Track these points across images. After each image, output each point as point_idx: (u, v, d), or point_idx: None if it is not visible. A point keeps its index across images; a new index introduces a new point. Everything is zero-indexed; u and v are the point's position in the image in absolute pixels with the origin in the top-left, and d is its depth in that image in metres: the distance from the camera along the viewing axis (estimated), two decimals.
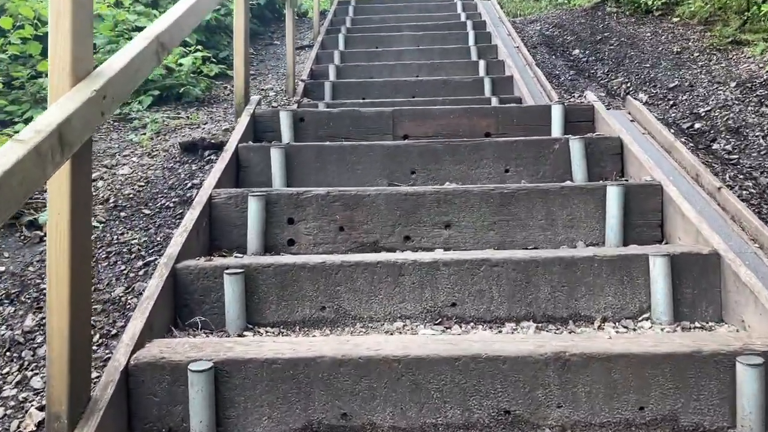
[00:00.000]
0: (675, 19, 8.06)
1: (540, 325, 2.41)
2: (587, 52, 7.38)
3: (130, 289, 2.58)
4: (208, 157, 3.73)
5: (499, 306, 2.45)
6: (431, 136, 3.88)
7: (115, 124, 4.79)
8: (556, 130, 3.79)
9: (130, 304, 2.47)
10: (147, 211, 3.24)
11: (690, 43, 6.94)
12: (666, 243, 2.86)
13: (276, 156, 3.33)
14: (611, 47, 7.29)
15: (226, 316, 2.41)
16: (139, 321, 2.15)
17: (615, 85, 6.14)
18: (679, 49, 6.74)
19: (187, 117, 4.97)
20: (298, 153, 3.40)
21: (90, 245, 1.85)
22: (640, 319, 2.43)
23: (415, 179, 3.40)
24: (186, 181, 3.50)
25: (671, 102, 5.38)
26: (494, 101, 5.43)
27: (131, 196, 3.40)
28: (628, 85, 6.06)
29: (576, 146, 3.31)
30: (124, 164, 3.92)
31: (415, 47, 7.21)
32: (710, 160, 4.04)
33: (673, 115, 5.10)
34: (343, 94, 5.99)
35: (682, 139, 4.14)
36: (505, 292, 2.45)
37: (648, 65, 6.43)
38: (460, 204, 2.91)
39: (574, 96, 5.74)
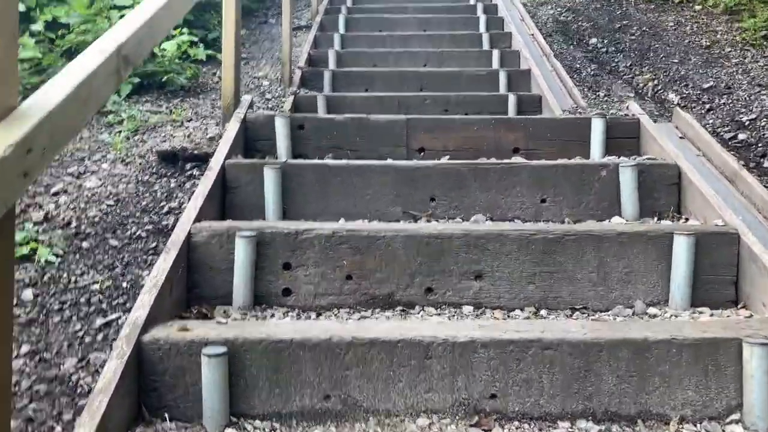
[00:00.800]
0: (697, 7, 7.47)
1: (602, 427, 1.88)
2: (606, 41, 6.78)
3: (84, 362, 2.03)
4: (190, 171, 3.15)
5: (551, 399, 1.91)
6: (451, 150, 3.32)
7: None
8: (596, 148, 3.23)
9: (83, 385, 1.93)
10: (114, 243, 2.68)
11: (719, 36, 6.36)
12: (743, 307, 2.34)
13: (270, 178, 2.76)
14: (632, 37, 6.70)
15: (204, 407, 1.87)
16: (86, 429, 1.61)
17: (641, 82, 5.57)
18: (708, 43, 6.17)
19: (170, 110, 4.37)
20: (297, 174, 2.83)
21: (9, 369, 1.30)
22: (728, 420, 1.90)
23: (435, 208, 2.85)
24: (162, 203, 2.93)
25: (707, 106, 4.83)
26: (511, 99, 4.86)
27: (97, 219, 2.83)
28: (656, 83, 5.49)
29: (627, 175, 2.76)
30: (92, 173, 3.34)
31: (422, 32, 6.59)
32: (765, 183, 3.50)
33: (711, 121, 4.55)
34: (344, 85, 5.40)
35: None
36: (559, 382, 1.91)
37: (676, 60, 5.85)
38: (494, 250, 2.37)
39: (598, 94, 5.17)
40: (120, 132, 3.91)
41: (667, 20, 7.09)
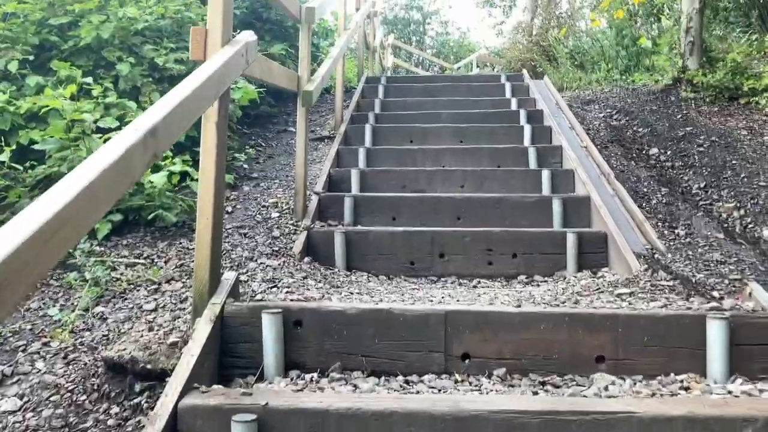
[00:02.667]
0: None
1: None
2: (669, 153, 5.83)
3: None
4: (138, 398, 2.20)
5: None
6: (508, 357, 2.34)
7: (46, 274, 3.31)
8: (717, 363, 2.21)
9: None
10: None
11: None
12: None
13: None
14: (701, 149, 5.73)
15: None
16: None
17: (723, 212, 4.57)
18: None
19: (152, 260, 3.49)
20: (280, 425, 1.86)
21: None
22: None
23: None
24: None
25: None
26: (570, 240, 3.93)
27: None
28: (743, 213, 4.49)
29: None
30: (19, 379, 2.42)
31: (458, 145, 5.72)
32: None
33: None
34: (367, 214, 4.51)
35: None
36: None
37: (763, 183, 4.85)
38: None
39: (677, 232, 4.17)
40: (78, 301, 3.01)
41: (738, 127, 6.13)
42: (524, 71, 8.05)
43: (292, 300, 2.66)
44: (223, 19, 2.48)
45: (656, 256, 3.87)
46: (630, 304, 2.79)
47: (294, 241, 3.99)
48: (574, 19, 14.20)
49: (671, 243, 3.99)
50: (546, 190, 4.80)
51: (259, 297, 2.75)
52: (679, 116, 6.65)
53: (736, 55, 6.94)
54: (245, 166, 5.15)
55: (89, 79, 4.20)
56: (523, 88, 7.30)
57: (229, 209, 4.41)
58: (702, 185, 5.07)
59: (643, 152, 5.93)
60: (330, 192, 4.79)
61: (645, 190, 4.88)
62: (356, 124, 6.15)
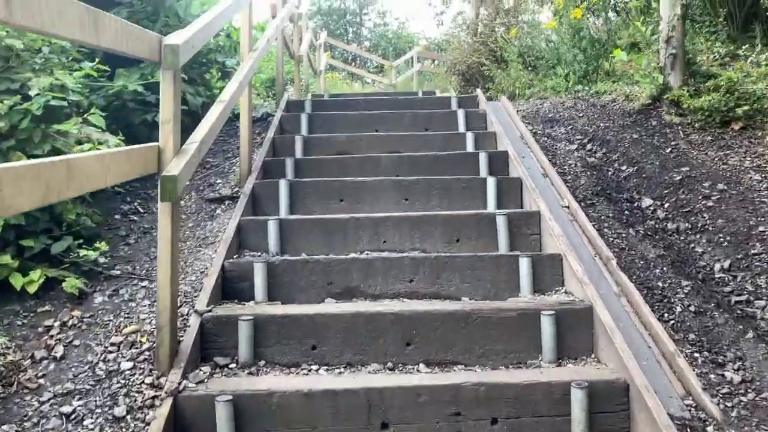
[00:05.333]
0: None
1: None
2: (666, 205, 4.46)
3: None
4: None
5: None
6: None
7: None
8: None
9: None
10: None
11: None
12: None
13: None
14: (708, 203, 4.36)
15: None
16: None
17: None
18: None
19: None
20: None
21: None
22: None
23: None
24: None
25: None
26: (578, 398, 2.55)
27: None
28: None
29: None
30: None
31: (403, 209, 4.22)
32: None
33: None
34: (275, 343, 3.01)
35: None
36: None
37: None
38: None
39: (727, 376, 2.77)
40: None
41: (745, 168, 4.80)
42: (479, 93, 6.52)
43: None
44: None
45: (705, 426, 2.47)
46: None
47: (149, 424, 2.43)
48: (519, 12, 12.78)
49: (725, 400, 2.59)
50: (526, 289, 3.36)
51: None
52: (669, 150, 5.28)
53: (732, 73, 5.61)
54: (101, 259, 3.51)
55: None
56: (479, 115, 5.80)
57: (60, 351, 2.80)
58: (726, 265, 3.70)
59: (635, 205, 4.54)
60: (223, 302, 3.24)
61: (660, 284, 3.47)
62: (268, 178, 4.56)
